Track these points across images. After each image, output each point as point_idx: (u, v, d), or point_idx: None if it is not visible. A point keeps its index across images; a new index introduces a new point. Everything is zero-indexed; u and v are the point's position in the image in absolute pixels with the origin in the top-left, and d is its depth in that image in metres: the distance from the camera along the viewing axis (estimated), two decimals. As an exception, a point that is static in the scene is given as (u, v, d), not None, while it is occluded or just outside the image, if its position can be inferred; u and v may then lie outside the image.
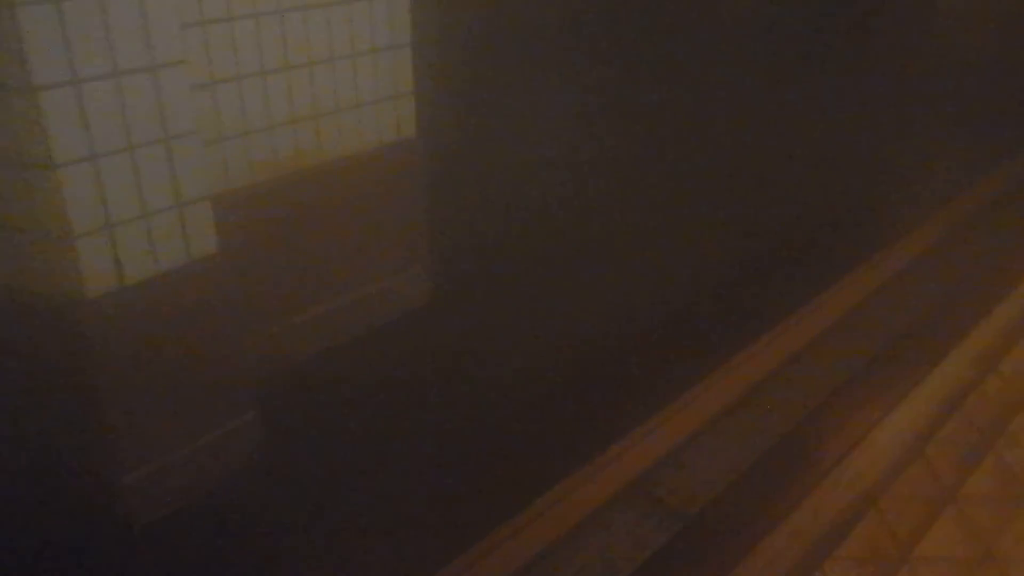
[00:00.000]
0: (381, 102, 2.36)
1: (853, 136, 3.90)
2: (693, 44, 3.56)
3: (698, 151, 3.50)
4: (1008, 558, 1.84)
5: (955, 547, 1.87)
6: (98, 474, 1.80)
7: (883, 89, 4.24)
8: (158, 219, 1.72)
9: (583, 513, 1.98)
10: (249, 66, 2.06)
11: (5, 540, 1.80)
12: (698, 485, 2.06)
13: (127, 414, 1.76)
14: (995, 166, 3.86)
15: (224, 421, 1.94)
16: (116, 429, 1.74)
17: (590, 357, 2.50)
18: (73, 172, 1.57)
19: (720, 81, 3.61)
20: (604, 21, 3.26)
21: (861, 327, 2.70)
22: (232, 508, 1.92)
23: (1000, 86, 4.40)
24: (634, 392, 2.36)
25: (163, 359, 1.79)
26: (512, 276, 2.78)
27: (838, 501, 2.00)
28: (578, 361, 2.49)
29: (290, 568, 1.80)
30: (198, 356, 1.85)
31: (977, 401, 2.35)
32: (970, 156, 3.98)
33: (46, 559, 1.79)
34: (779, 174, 3.59)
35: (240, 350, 1.94)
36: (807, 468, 2.11)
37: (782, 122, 3.72)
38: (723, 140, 3.55)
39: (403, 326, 2.54)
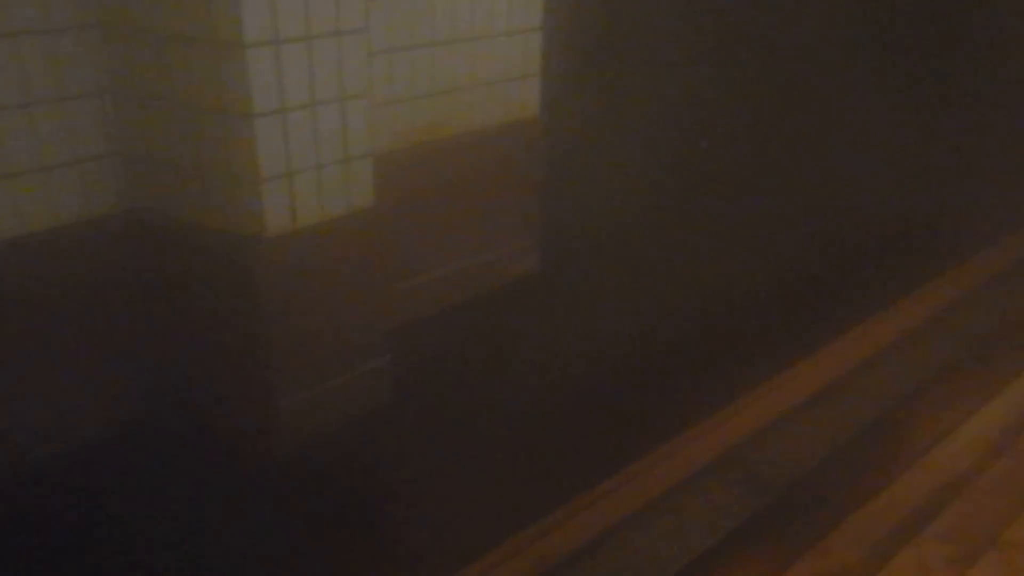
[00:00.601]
0: (511, 81, 2.52)
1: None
2: (836, 42, 3.65)
3: (828, 147, 3.62)
4: (1093, 549, 1.94)
5: (1041, 535, 1.97)
6: (260, 399, 1.99)
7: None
8: (329, 171, 1.90)
9: (678, 478, 2.13)
10: (399, 39, 2.23)
11: (177, 459, 2.01)
12: (791, 460, 2.19)
13: (291, 346, 1.94)
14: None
15: (366, 361, 2.12)
16: (280, 358, 1.93)
17: (692, 332, 2.64)
18: (266, 123, 1.75)
19: (859, 80, 3.70)
20: (741, 12, 3.35)
21: (959, 322, 2.80)
22: (370, 439, 2.11)
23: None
24: (732, 369, 2.49)
25: (321, 298, 1.97)
26: (620, 253, 2.94)
27: (928, 483, 2.11)
28: (681, 335, 2.62)
29: (406, 493, 1.97)
30: (350, 298, 2.03)
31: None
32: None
33: (216, 470, 1.99)
34: (901, 169, 3.69)
35: (383, 297, 2.12)
36: (898, 451, 2.22)
37: (912, 125, 3.80)
38: (857, 137, 3.66)
39: (515, 292, 2.71)
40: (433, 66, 2.31)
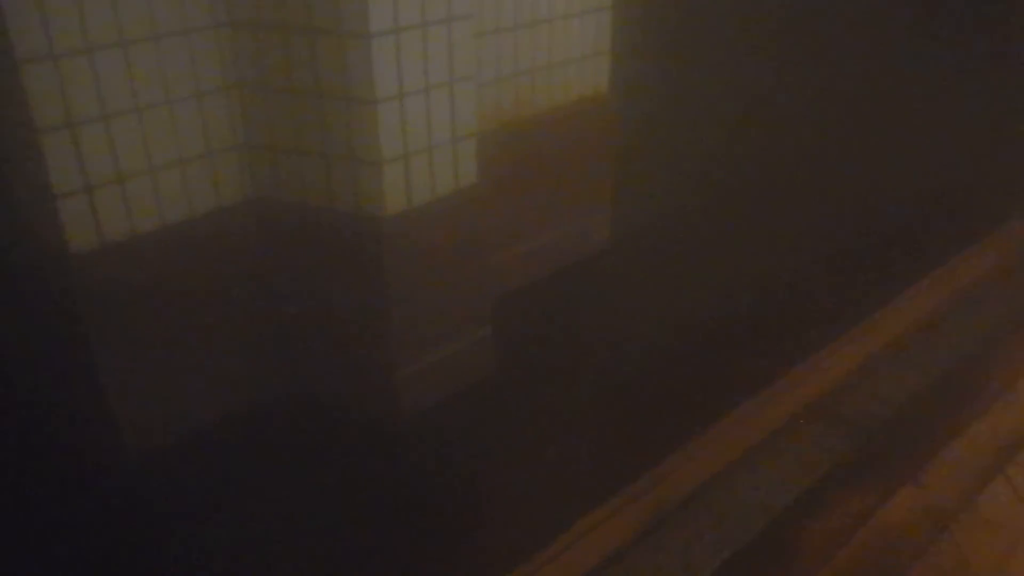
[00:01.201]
0: (585, 59, 2.63)
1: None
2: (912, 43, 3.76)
3: (894, 136, 3.73)
4: None
5: (1124, 461, 2.08)
6: (375, 369, 2.12)
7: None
8: (439, 151, 2.02)
9: (775, 425, 2.25)
10: (486, 24, 2.34)
11: (310, 432, 2.14)
12: (880, 404, 2.31)
13: (405, 318, 2.07)
14: None
15: (472, 332, 2.25)
16: (396, 329, 2.05)
17: (764, 296, 2.76)
18: (387, 108, 1.87)
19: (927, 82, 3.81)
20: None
21: None
22: (479, 403, 2.25)
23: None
24: (818, 320, 2.61)
25: (433, 273, 2.09)
26: (689, 229, 3.07)
27: (1014, 418, 2.22)
28: (753, 299, 2.74)
29: (505, 452, 2.11)
30: (457, 273, 2.15)
31: None
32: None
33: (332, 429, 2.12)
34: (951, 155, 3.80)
35: (484, 271, 2.24)
36: (983, 390, 2.34)
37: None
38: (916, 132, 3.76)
39: (594, 264, 2.84)
40: (516, 48, 2.43)
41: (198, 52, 1.86)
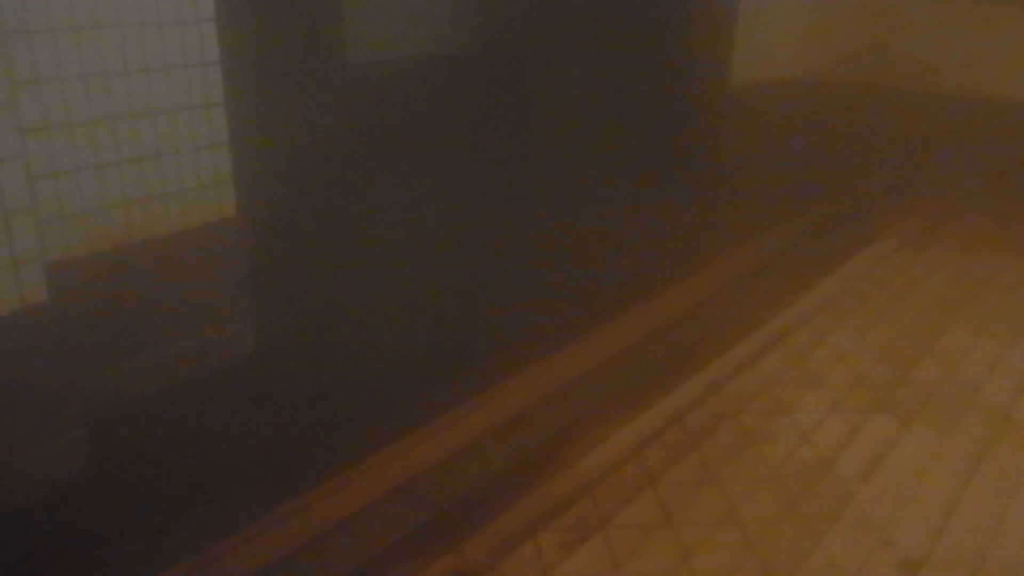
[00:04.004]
0: (205, 187, 2.89)
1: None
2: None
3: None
4: (683, 523, 2.39)
5: (645, 517, 2.40)
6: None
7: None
8: (-2, 275, 2.18)
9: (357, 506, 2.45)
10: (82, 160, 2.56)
11: None
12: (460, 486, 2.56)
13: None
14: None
15: (54, 437, 2.36)
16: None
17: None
18: (-74, 236, 2.03)
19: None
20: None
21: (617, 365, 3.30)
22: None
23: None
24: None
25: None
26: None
27: (562, 488, 2.52)
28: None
29: None
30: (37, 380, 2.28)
31: (697, 414, 2.94)
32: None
33: None
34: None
35: (66, 382, 2.38)
36: (553, 465, 2.63)
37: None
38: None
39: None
40: (122, 179, 2.65)
41: None
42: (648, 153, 4.96)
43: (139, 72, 2.59)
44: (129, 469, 2.48)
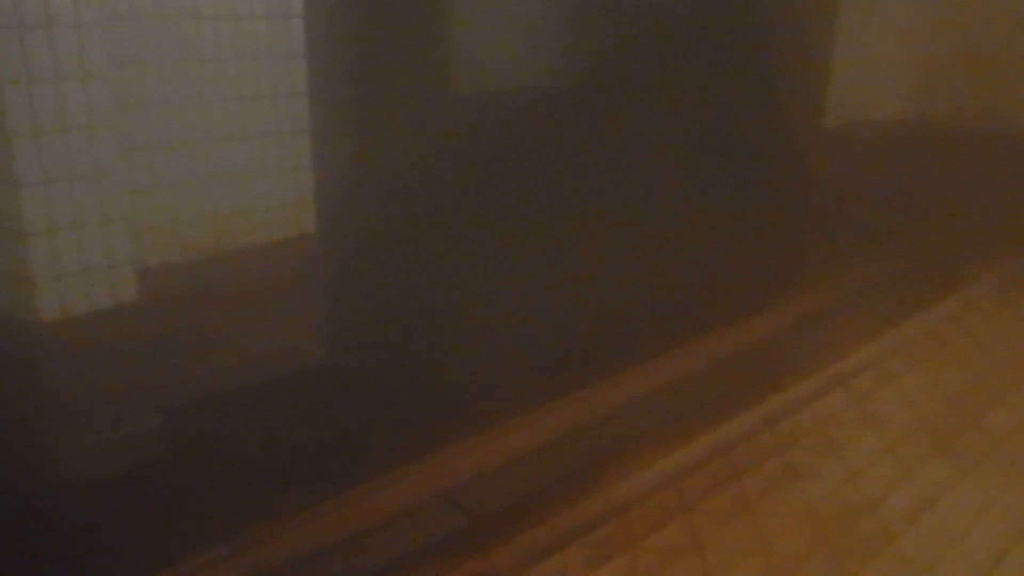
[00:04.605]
0: (286, 207, 3.15)
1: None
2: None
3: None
4: (710, 549, 2.41)
5: (674, 541, 2.44)
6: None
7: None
8: (94, 273, 2.47)
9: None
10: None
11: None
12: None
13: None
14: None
15: (135, 422, 2.63)
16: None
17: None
18: (40, 240, 2.33)
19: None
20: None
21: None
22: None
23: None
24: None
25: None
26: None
27: (596, 507, 2.59)
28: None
29: None
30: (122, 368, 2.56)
31: (745, 448, 2.94)
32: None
33: None
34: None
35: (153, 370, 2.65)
36: (591, 485, 2.70)
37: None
38: None
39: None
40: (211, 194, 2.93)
41: None
42: (739, 187, 4.98)
43: (234, 100, 2.87)
44: (198, 456, 2.72)
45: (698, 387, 3.44)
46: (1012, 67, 6.22)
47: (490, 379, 3.33)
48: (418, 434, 2.93)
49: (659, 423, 3.14)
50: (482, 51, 3.78)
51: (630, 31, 4.45)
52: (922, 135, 6.43)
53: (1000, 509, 2.63)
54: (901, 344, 3.79)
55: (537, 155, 3.95)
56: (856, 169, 5.90)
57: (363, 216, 3.39)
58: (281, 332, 3.12)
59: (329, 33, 3.10)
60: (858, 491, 2.70)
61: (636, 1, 4.43)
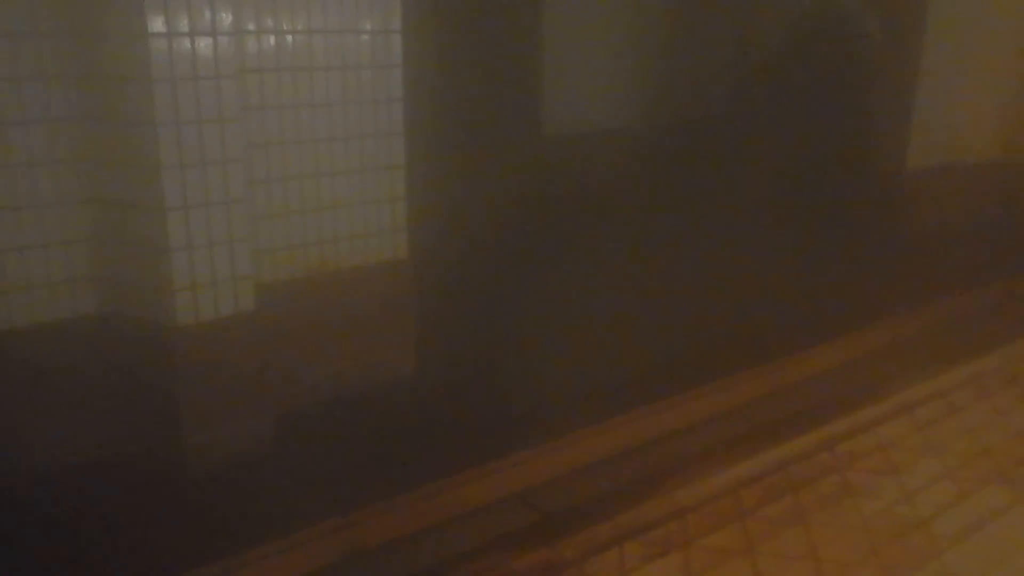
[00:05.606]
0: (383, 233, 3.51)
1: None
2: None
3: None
4: (762, 553, 2.59)
5: (728, 543, 2.62)
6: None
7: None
8: (222, 285, 2.87)
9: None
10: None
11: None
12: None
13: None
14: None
15: (246, 420, 3.00)
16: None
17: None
18: (178, 256, 2.75)
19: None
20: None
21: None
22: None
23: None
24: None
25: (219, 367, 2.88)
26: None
27: (657, 510, 2.79)
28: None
29: None
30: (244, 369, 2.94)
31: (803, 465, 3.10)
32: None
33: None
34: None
35: (267, 375, 3.02)
36: (654, 491, 2.91)
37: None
38: None
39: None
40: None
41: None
42: (819, 225, 5.13)
43: (339, 140, 3.26)
44: (299, 452, 3.08)
45: (766, 411, 3.61)
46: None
47: (570, 393, 3.60)
48: (501, 439, 3.21)
49: (724, 441, 3.33)
50: (571, 95, 4.11)
51: (724, 75, 4.72)
52: (1010, 176, 6.41)
53: (1053, 532, 2.70)
54: (971, 378, 3.85)
55: (624, 190, 4.23)
56: (941, 208, 5.93)
57: (454, 243, 3.74)
58: (381, 345, 3.47)
59: (423, 79, 3.49)
60: (912, 509, 2.82)
61: (731, 45, 4.69)
